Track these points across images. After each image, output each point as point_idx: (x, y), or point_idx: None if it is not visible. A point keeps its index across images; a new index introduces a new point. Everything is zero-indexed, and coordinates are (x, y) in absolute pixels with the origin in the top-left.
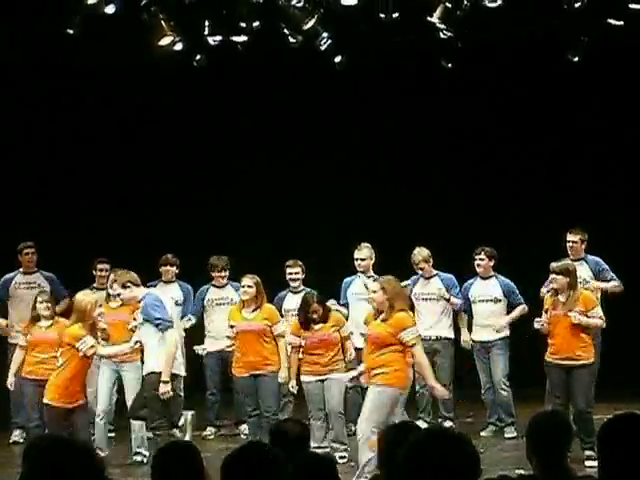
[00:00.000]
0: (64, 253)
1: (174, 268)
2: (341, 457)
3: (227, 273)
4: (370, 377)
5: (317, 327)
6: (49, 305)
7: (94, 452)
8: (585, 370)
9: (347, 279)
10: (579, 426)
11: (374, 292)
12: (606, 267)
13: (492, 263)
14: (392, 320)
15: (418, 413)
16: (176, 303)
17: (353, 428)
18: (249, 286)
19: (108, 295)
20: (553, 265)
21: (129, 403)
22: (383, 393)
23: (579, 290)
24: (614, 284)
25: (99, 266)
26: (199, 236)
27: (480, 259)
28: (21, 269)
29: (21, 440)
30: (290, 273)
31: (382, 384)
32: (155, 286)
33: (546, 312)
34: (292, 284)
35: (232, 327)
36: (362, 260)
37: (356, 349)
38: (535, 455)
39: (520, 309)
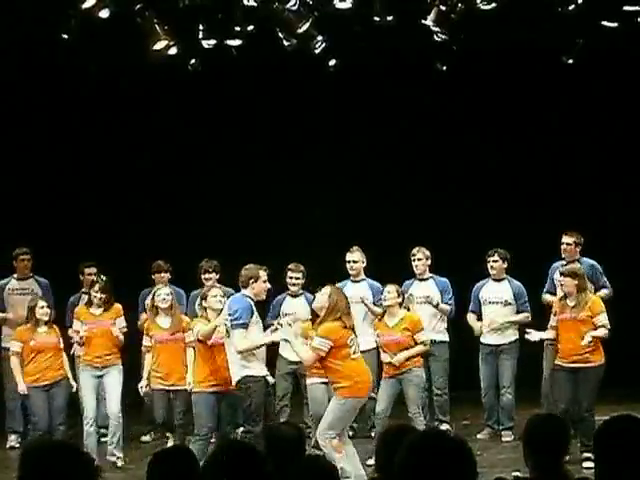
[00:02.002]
0: (52, 257)
1: (167, 274)
2: None
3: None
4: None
5: None
6: (48, 312)
7: (91, 456)
8: (593, 372)
9: (339, 284)
10: (580, 428)
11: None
12: (600, 271)
13: (505, 265)
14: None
15: None
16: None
17: (351, 432)
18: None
19: (90, 301)
20: (561, 268)
21: (109, 405)
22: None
23: (588, 295)
24: (604, 292)
25: (87, 270)
26: (194, 239)
27: (494, 261)
28: (15, 275)
29: (17, 445)
30: (291, 277)
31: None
32: (148, 294)
33: (555, 315)
34: (292, 288)
35: None
36: (354, 262)
37: None
38: (532, 457)
39: (523, 316)
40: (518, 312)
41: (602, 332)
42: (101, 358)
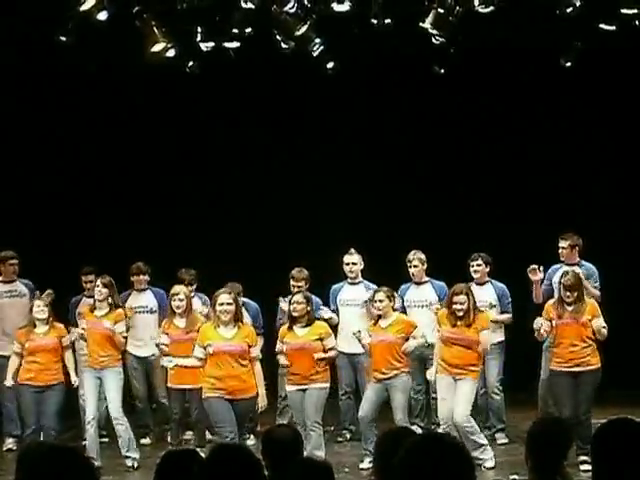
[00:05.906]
0: (52, 261)
1: (146, 276)
2: None
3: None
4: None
5: (300, 334)
6: (45, 309)
7: (89, 459)
8: (592, 376)
9: (335, 286)
10: (578, 431)
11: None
12: (596, 278)
13: (488, 269)
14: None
15: (412, 418)
16: (150, 311)
17: (348, 435)
18: (229, 303)
19: (94, 305)
20: (563, 280)
21: (111, 406)
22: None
23: (586, 300)
24: None
25: (83, 277)
26: (192, 241)
27: (477, 265)
28: (0, 277)
29: (15, 448)
30: (294, 286)
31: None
32: (128, 296)
33: (550, 322)
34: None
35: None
36: (353, 264)
37: (347, 354)
38: (532, 458)
39: (506, 317)
40: (502, 313)
41: (604, 332)
42: (99, 359)
